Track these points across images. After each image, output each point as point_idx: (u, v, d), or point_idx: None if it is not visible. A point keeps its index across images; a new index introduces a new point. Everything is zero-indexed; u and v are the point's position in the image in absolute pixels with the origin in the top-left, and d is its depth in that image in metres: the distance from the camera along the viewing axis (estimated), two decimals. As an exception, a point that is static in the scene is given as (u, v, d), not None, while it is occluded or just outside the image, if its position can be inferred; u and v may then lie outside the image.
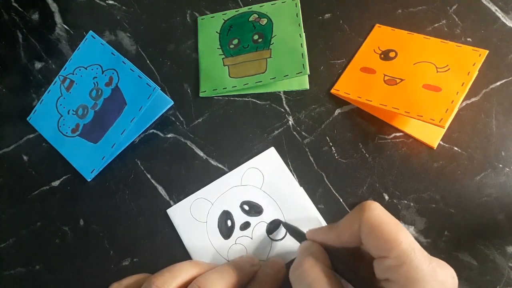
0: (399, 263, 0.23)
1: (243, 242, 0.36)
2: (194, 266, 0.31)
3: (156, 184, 0.39)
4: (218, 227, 0.37)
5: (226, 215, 0.37)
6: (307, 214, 0.36)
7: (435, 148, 0.38)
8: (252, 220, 0.37)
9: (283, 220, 0.36)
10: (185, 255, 0.36)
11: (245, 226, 0.36)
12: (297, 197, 0.37)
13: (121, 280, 0.33)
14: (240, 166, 0.39)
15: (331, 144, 0.39)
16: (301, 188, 0.38)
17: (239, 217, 0.37)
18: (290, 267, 0.28)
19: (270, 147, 0.40)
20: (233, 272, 0.30)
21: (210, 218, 0.37)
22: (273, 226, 0.36)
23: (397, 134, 0.39)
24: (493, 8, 0.44)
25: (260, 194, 0.37)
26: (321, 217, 0.36)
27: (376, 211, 0.25)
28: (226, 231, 0.36)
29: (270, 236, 0.36)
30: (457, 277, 0.24)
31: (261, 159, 0.39)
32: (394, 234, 0.23)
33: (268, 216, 0.37)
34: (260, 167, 0.39)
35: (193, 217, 0.37)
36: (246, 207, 0.37)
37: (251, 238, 0.36)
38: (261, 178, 0.38)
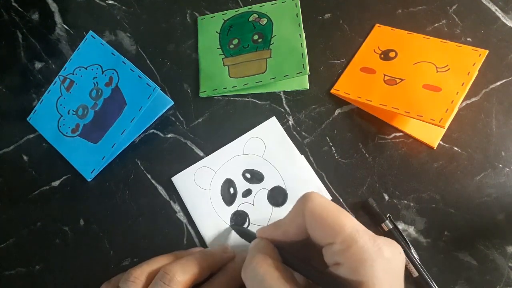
0: (345, 246, 0.23)
1: (245, 209, 0.37)
2: (172, 256, 0.32)
3: (156, 184, 0.39)
4: (221, 194, 0.38)
5: (228, 183, 0.38)
6: (307, 181, 0.38)
7: (435, 148, 0.38)
8: (254, 187, 0.38)
9: (283, 186, 0.37)
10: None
11: (247, 193, 0.38)
12: (297, 164, 0.38)
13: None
14: (243, 136, 0.40)
15: (331, 144, 0.39)
16: (302, 156, 0.39)
17: (241, 185, 0.38)
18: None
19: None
20: (202, 259, 0.31)
21: (213, 185, 0.38)
22: (274, 194, 0.37)
23: (397, 134, 0.39)
24: (493, 8, 0.44)
25: (262, 162, 0.39)
26: (320, 183, 0.37)
27: (317, 200, 0.25)
28: (228, 198, 0.38)
29: (271, 203, 0.37)
30: (403, 253, 0.25)
31: (263, 129, 0.40)
32: (337, 219, 0.24)
33: (269, 183, 0.38)
34: (262, 136, 0.40)
35: (197, 184, 0.38)
36: (248, 175, 0.38)
37: (253, 205, 0.37)
38: (263, 147, 0.39)
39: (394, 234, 0.34)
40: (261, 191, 0.38)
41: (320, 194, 0.26)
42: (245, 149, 0.39)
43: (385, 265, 0.23)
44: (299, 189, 0.37)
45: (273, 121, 0.40)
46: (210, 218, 0.37)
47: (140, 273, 0.30)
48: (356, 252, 0.23)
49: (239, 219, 0.37)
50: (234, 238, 0.36)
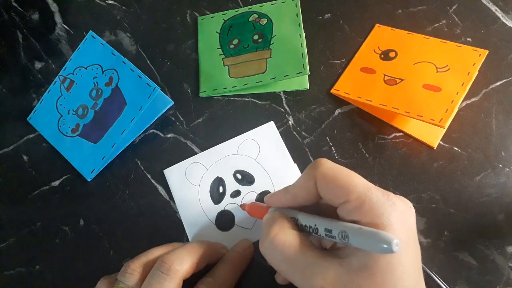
0: (360, 202, 0.24)
1: (231, 209, 0.37)
2: (169, 247, 0.33)
3: (156, 184, 0.39)
4: (210, 192, 0.38)
5: (218, 182, 0.38)
6: None
7: (435, 148, 0.38)
8: (243, 189, 0.38)
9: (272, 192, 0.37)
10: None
11: (236, 194, 0.38)
12: (289, 172, 0.38)
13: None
14: (238, 136, 0.40)
15: (331, 144, 0.39)
16: (295, 164, 0.38)
17: (231, 185, 0.38)
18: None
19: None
20: (200, 249, 0.31)
21: (203, 182, 0.38)
22: (262, 197, 0.37)
23: (397, 134, 0.39)
24: (493, 8, 0.44)
25: (254, 165, 0.39)
26: None
27: (328, 164, 0.26)
28: (217, 196, 0.38)
29: None
30: (413, 208, 0.26)
31: (260, 132, 0.40)
32: (349, 179, 0.25)
33: (259, 186, 0.38)
34: (258, 139, 0.40)
35: (187, 179, 0.39)
36: (239, 176, 0.38)
37: (240, 206, 0.37)
38: (257, 149, 0.39)
39: None
40: (250, 193, 0.38)
41: (327, 160, 0.27)
42: (239, 150, 0.39)
43: (400, 217, 0.24)
44: None
45: (270, 126, 0.40)
46: (196, 214, 0.37)
47: (138, 265, 0.30)
48: (371, 207, 0.24)
49: (224, 219, 0.37)
50: (217, 236, 0.36)
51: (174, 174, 0.39)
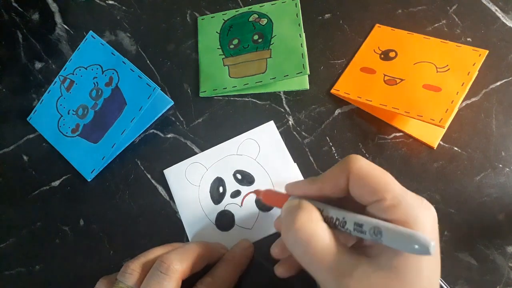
0: (396, 202, 0.24)
1: (231, 209, 0.37)
2: (169, 247, 0.33)
3: (156, 184, 0.39)
4: (210, 192, 0.38)
5: (218, 182, 0.38)
6: None
7: (435, 148, 0.38)
8: (243, 189, 0.38)
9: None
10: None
11: (236, 194, 0.38)
12: (289, 171, 0.38)
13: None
14: (238, 136, 0.40)
15: (331, 144, 0.39)
16: (295, 164, 0.38)
17: (231, 185, 0.38)
18: (281, 230, 0.27)
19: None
20: (199, 249, 0.31)
21: (203, 182, 0.38)
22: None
23: (397, 134, 0.39)
24: (493, 8, 0.44)
25: (254, 165, 0.39)
26: None
27: (363, 161, 0.26)
28: (217, 196, 0.38)
29: (258, 206, 0.37)
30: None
31: (260, 131, 0.40)
32: (387, 178, 0.25)
33: (259, 186, 0.38)
34: (258, 139, 0.40)
35: (187, 179, 0.39)
36: (239, 176, 0.38)
37: (240, 206, 0.37)
38: (257, 149, 0.39)
39: None
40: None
41: (362, 157, 0.26)
42: (239, 150, 0.39)
43: (433, 222, 0.24)
44: None
45: (270, 125, 0.40)
46: (196, 214, 0.37)
47: (138, 265, 0.30)
48: (407, 207, 0.24)
49: (224, 219, 0.37)
50: (217, 236, 0.36)
51: (174, 174, 0.39)
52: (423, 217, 0.24)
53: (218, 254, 0.33)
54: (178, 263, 0.29)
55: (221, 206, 0.37)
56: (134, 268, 0.30)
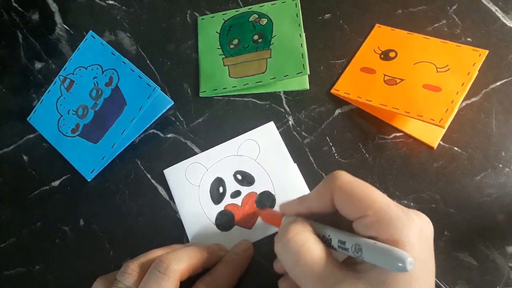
0: (378, 218, 0.24)
1: (231, 209, 0.37)
2: (168, 249, 0.33)
3: (156, 184, 0.39)
4: (210, 192, 0.38)
5: (218, 182, 0.38)
6: (297, 190, 0.37)
7: (435, 148, 0.38)
8: (243, 189, 0.38)
9: (273, 192, 0.37)
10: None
11: (236, 194, 0.38)
12: (289, 172, 0.38)
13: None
14: (238, 137, 0.40)
15: (331, 144, 0.39)
16: (295, 164, 0.38)
17: (231, 185, 0.38)
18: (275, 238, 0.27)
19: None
20: (198, 251, 0.31)
21: (203, 182, 0.38)
22: (262, 198, 0.37)
23: (397, 134, 0.39)
24: (493, 8, 0.44)
25: (254, 166, 0.39)
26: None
27: (346, 177, 0.26)
28: (217, 197, 0.38)
29: (258, 206, 0.37)
30: (431, 223, 0.25)
31: (260, 132, 0.40)
32: (369, 193, 0.24)
33: (259, 187, 0.38)
34: (258, 140, 0.40)
35: (187, 179, 0.39)
36: (239, 176, 0.38)
37: (240, 206, 0.37)
38: (257, 150, 0.39)
39: None
40: (250, 193, 0.38)
41: (346, 172, 0.26)
42: (239, 150, 0.39)
43: (418, 233, 0.23)
44: (288, 197, 0.36)
45: (270, 126, 0.40)
46: (196, 214, 0.37)
47: (137, 265, 0.30)
48: (390, 222, 0.23)
49: (224, 219, 0.37)
50: (217, 236, 0.36)
51: (174, 174, 0.39)
52: (407, 231, 0.23)
53: (217, 256, 0.33)
54: (177, 263, 0.29)
55: (221, 206, 0.37)
56: (133, 268, 0.30)
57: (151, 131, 0.42)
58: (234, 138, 0.40)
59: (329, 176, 0.27)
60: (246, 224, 0.36)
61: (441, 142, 0.38)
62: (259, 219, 0.36)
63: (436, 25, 0.44)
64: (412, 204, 0.36)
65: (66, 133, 0.41)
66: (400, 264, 0.21)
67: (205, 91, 0.43)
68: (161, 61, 0.45)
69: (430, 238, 0.25)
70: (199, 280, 0.31)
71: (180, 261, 0.29)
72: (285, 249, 0.25)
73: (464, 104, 0.40)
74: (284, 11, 0.45)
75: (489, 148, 0.38)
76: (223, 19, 0.46)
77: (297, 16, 0.45)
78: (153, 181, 0.40)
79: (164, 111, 0.41)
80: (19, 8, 0.50)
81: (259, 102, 0.42)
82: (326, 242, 0.26)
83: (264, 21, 0.45)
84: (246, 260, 0.34)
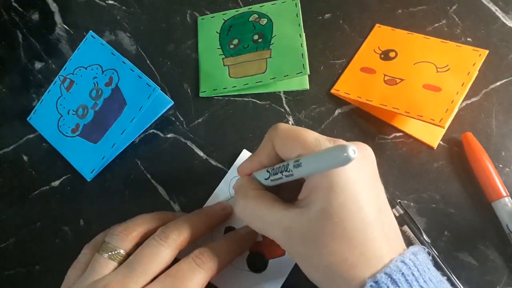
0: (310, 152, 0.26)
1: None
2: (155, 215, 0.33)
3: (156, 184, 0.39)
4: None
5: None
6: None
7: (435, 148, 0.38)
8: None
9: None
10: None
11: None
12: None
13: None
14: (225, 178, 0.38)
15: (331, 144, 0.39)
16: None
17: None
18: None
19: None
20: (199, 219, 0.33)
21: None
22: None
23: (397, 134, 0.39)
24: (493, 8, 0.44)
25: None
26: None
27: (283, 126, 0.29)
28: None
29: None
30: (371, 149, 0.28)
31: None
32: (301, 134, 0.27)
33: None
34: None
35: None
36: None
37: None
38: None
39: (405, 220, 0.34)
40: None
41: (283, 123, 0.29)
42: (230, 190, 0.37)
43: (353, 164, 0.23)
44: None
45: (245, 154, 0.39)
46: None
47: (124, 228, 0.31)
48: None
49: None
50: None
51: None
52: None
53: (219, 218, 0.35)
54: (177, 233, 0.30)
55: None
56: (121, 230, 0.31)
57: (151, 131, 0.42)
58: (222, 180, 0.38)
59: (270, 128, 0.29)
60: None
61: (441, 142, 0.38)
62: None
63: (436, 25, 0.44)
64: (412, 204, 0.36)
65: (66, 133, 0.41)
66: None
67: (205, 91, 0.43)
68: (161, 61, 0.45)
69: (370, 167, 0.27)
70: (198, 248, 0.31)
71: (180, 232, 0.30)
72: (242, 212, 0.29)
73: (464, 104, 0.40)
74: (284, 11, 0.45)
75: (489, 148, 0.38)
76: (223, 19, 0.46)
77: (297, 16, 0.45)
78: (153, 181, 0.40)
79: (164, 111, 0.41)
80: (19, 8, 0.50)
81: (259, 102, 0.42)
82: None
83: (264, 21, 0.45)
84: (248, 242, 0.34)
